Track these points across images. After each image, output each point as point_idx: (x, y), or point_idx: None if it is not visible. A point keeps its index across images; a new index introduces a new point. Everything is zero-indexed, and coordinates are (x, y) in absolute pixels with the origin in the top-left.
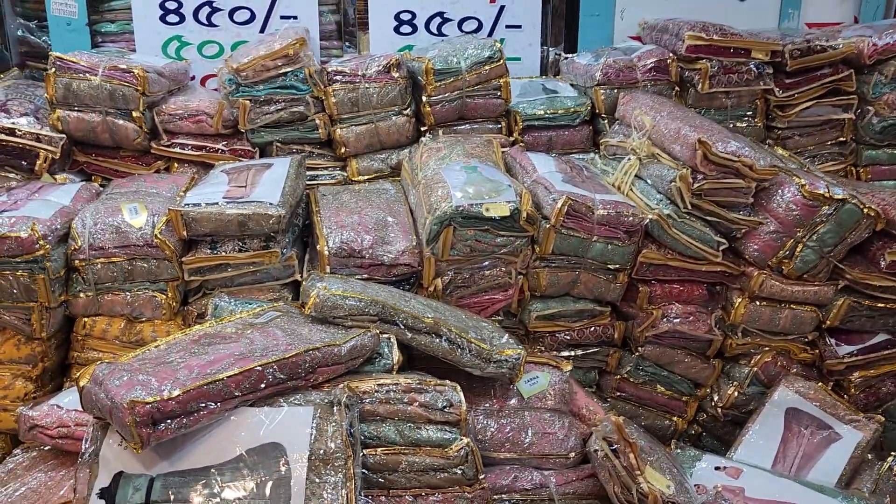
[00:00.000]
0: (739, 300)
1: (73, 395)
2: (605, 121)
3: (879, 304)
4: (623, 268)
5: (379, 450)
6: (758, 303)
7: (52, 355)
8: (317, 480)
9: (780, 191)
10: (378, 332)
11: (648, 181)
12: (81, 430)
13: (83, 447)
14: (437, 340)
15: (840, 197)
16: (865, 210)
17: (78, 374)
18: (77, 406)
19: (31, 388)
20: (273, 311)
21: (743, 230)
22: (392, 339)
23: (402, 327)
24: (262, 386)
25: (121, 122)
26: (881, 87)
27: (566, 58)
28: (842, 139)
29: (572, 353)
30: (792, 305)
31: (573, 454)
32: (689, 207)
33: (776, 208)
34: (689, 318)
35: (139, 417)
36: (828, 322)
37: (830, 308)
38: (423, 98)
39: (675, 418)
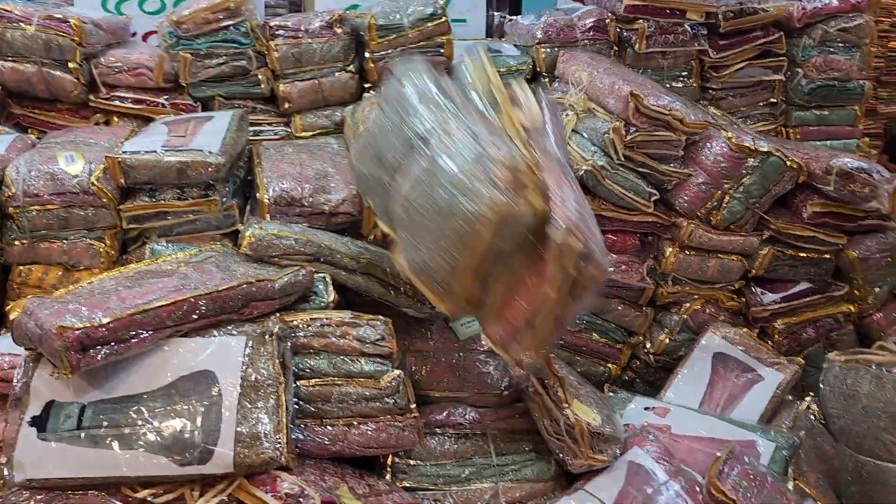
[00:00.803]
0: (670, 250)
1: (6, 340)
2: (546, 79)
3: (802, 254)
4: None
5: (312, 380)
6: (687, 252)
7: None
8: (248, 406)
9: (708, 144)
10: (312, 269)
11: (584, 134)
12: (13, 373)
13: (14, 382)
14: (373, 281)
15: (765, 149)
16: (788, 162)
17: (9, 307)
18: (12, 350)
19: None
20: (209, 251)
21: (673, 182)
22: (327, 279)
23: (338, 268)
24: (194, 317)
25: (57, 73)
26: (809, 50)
27: (510, 20)
28: (772, 100)
29: None
30: (719, 255)
31: (506, 393)
32: (622, 159)
33: (705, 161)
34: (621, 268)
35: (68, 343)
36: (753, 271)
37: (756, 257)
38: (367, 54)
39: (609, 364)
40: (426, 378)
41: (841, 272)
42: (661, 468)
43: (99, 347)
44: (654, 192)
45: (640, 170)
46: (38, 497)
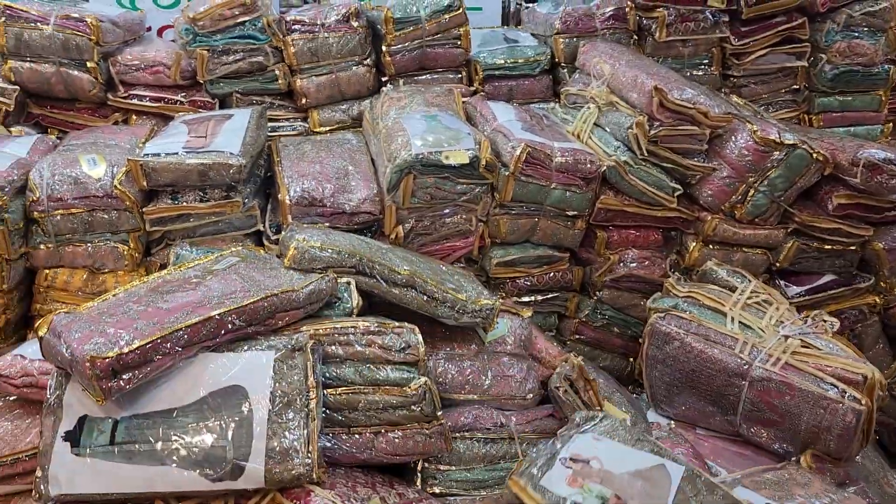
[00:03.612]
0: (694, 244)
1: (36, 345)
2: (565, 70)
3: (827, 246)
4: (581, 214)
5: (339, 389)
6: (711, 246)
7: (15, 307)
8: (279, 421)
9: (733, 137)
10: (335, 276)
11: (607, 129)
12: (45, 379)
13: (47, 394)
14: (413, 293)
15: (790, 142)
16: (815, 155)
17: (37, 324)
18: (40, 355)
19: None
20: (231, 257)
21: (697, 176)
22: (352, 284)
23: (379, 279)
24: (223, 332)
25: (75, 73)
26: (833, 35)
27: (527, 7)
28: (795, 87)
29: (532, 299)
30: (744, 248)
31: (531, 395)
32: (646, 154)
33: (729, 154)
34: (644, 263)
35: (99, 371)
36: (778, 264)
37: (780, 250)
38: (384, 48)
39: (631, 359)
40: (452, 382)
41: (866, 264)
42: None
43: (130, 373)
44: (678, 186)
45: (664, 165)
46: None
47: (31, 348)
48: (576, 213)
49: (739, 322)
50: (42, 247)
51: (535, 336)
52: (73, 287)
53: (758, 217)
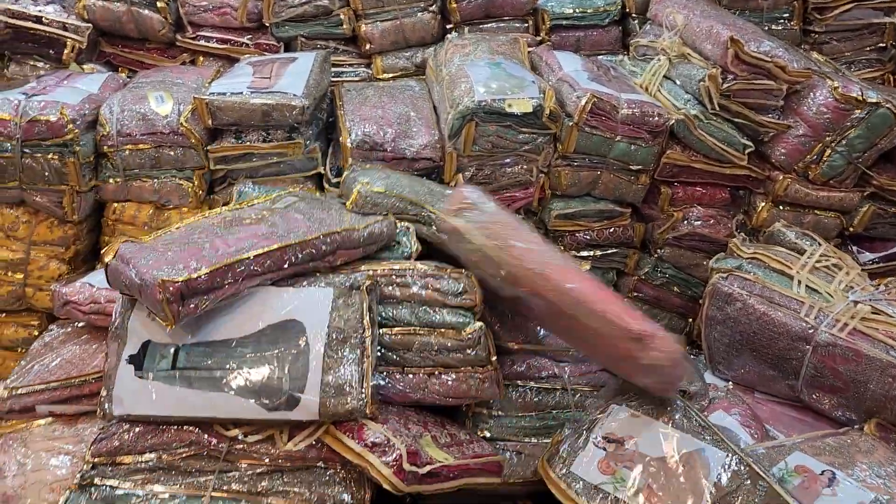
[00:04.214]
0: (763, 204)
1: (103, 275)
2: (636, 21)
3: None
4: (646, 169)
5: (395, 329)
6: (781, 207)
7: (84, 239)
8: (334, 356)
9: (811, 94)
10: (394, 220)
11: (677, 81)
12: (111, 306)
13: (113, 319)
14: None
15: (873, 101)
16: None
17: (103, 251)
18: (107, 285)
19: (64, 270)
20: (290, 197)
21: (770, 133)
22: (411, 229)
23: (438, 230)
24: (285, 266)
25: (146, 12)
26: None
27: None
28: (881, 45)
29: (591, 254)
30: (816, 211)
31: None
32: (717, 108)
33: (806, 111)
34: (709, 221)
35: (170, 295)
36: (851, 229)
37: (855, 214)
38: None
39: (690, 319)
40: (506, 331)
41: None
42: (746, 432)
43: (197, 298)
44: (749, 143)
45: (736, 120)
46: (136, 430)
47: (99, 277)
48: (640, 167)
49: (806, 286)
50: (111, 181)
51: None
52: (140, 221)
53: (833, 178)
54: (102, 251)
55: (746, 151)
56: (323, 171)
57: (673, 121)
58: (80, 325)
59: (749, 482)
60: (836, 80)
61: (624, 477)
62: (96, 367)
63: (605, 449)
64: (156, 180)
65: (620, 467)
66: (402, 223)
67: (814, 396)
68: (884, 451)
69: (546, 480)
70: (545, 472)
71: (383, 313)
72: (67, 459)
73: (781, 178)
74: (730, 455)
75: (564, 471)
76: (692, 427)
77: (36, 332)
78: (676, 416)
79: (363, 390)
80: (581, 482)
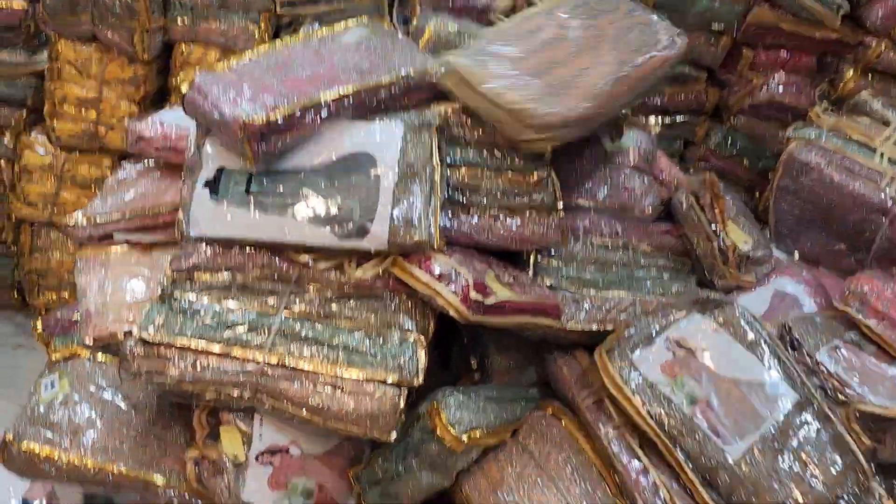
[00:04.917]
0: (851, 72)
1: (173, 113)
2: None
3: None
4: (728, 28)
5: (462, 170)
6: (870, 76)
7: (154, 79)
8: (404, 190)
9: None
10: None
11: None
12: (183, 143)
13: (189, 146)
14: None
15: None
16: None
17: (179, 81)
18: (178, 121)
19: (134, 111)
20: (359, 28)
21: None
22: None
23: None
24: (360, 107)
25: None
26: None
27: None
28: None
29: (659, 120)
30: None
31: (650, 209)
32: None
33: None
34: (791, 88)
35: (250, 135)
36: None
37: None
38: None
39: (757, 194)
40: (573, 186)
41: None
42: (809, 299)
43: (275, 136)
44: (845, 4)
45: None
46: (212, 250)
47: (169, 115)
48: (723, 25)
49: (889, 158)
50: (179, 20)
51: (659, 156)
52: (207, 64)
53: None
54: (177, 80)
55: (841, 13)
56: (389, 20)
57: None
58: (152, 163)
59: (818, 423)
60: None
61: (685, 384)
62: (169, 200)
63: (674, 353)
64: (223, 21)
65: (684, 374)
66: None
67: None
68: None
69: (601, 370)
70: (601, 362)
71: (452, 154)
72: (143, 283)
73: (875, 42)
74: (802, 395)
75: (625, 362)
76: (771, 358)
77: (108, 172)
78: (761, 344)
79: (432, 224)
80: (639, 377)
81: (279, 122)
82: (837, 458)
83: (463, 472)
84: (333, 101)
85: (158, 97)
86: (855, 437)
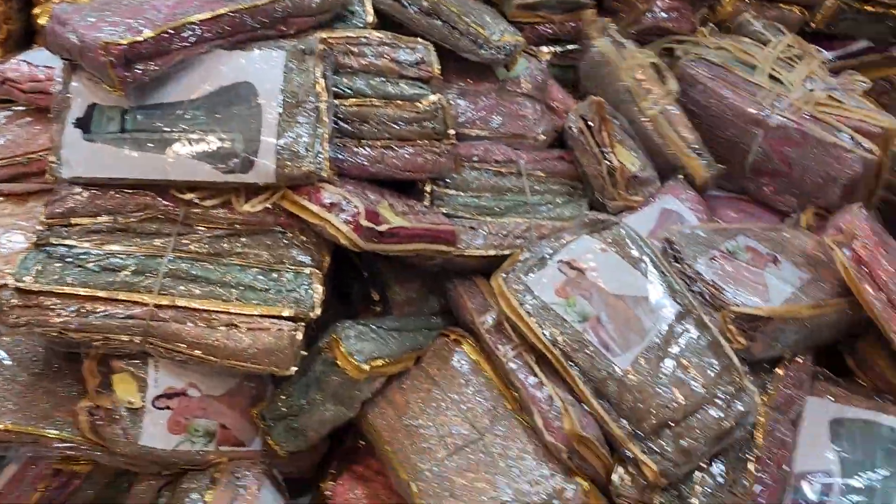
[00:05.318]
0: None
1: (41, 53)
2: None
3: (868, 7)
4: None
5: (350, 100)
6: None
7: (15, 18)
8: (288, 120)
9: None
10: None
11: None
12: (52, 85)
13: (55, 86)
14: (436, 22)
15: None
16: None
17: (38, 13)
18: (47, 62)
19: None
20: None
21: None
22: None
23: (405, 5)
24: (235, 32)
25: None
26: None
27: None
28: None
29: (552, 49)
30: (780, 4)
31: (543, 136)
32: None
33: None
34: (673, 14)
35: (114, 58)
36: (813, 24)
37: (818, 9)
38: None
39: None
40: (464, 117)
41: None
42: (695, 217)
43: (143, 63)
44: None
45: None
46: (89, 192)
47: (37, 55)
48: None
49: (769, 75)
50: None
51: (551, 84)
52: None
53: None
54: (37, 12)
55: None
56: None
57: None
58: (21, 108)
59: (694, 329)
60: None
61: (576, 304)
62: (42, 145)
63: (565, 274)
64: None
65: (576, 294)
66: None
67: (759, 181)
68: (813, 245)
69: (498, 295)
70: (498, 287)
71: (338, 84)
72: (21, 235)
73: None
74: (683, 306)
75: (520, 286)
76: (655, 273)
77: None
78: (645, 260)
79: (321, 153)
80: (534, 300)
81: (145, 45)
82: (714, 361)
83: (368, 402)
84: (204, 21)
85: (25, 40)
86: (732, 337)
